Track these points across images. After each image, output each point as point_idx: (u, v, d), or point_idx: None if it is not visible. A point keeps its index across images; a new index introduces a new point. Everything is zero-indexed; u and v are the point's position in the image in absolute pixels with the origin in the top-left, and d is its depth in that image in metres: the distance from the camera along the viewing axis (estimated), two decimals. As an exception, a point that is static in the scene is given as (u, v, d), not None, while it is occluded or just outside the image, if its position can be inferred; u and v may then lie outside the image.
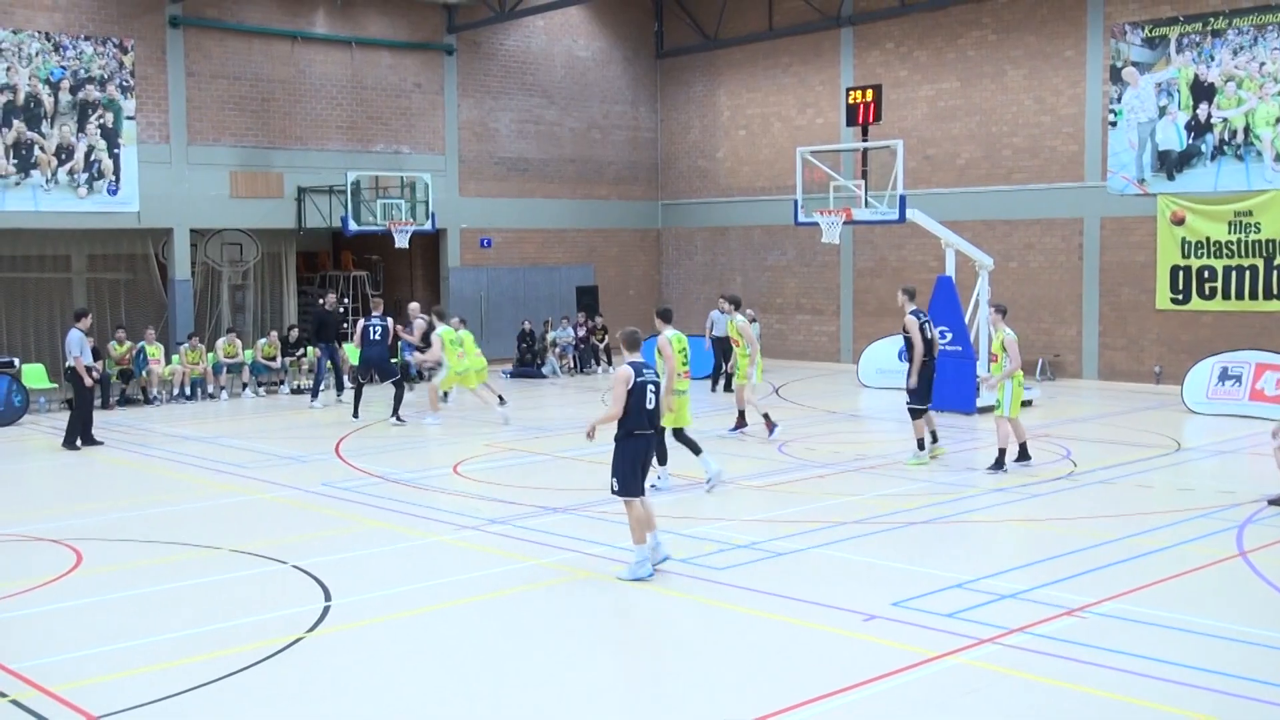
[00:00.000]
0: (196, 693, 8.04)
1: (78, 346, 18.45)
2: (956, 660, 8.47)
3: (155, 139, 25.46)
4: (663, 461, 14.22)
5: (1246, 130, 23.18)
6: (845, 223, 21.52)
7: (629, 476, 10.64)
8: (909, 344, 16.36)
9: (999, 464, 15.39)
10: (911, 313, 16.41)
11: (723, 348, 25.80)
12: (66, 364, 18.85)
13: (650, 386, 10.71)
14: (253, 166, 26.78)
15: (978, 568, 10.98)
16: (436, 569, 11.31)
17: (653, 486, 13.51)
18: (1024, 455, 15.63)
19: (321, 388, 23.55)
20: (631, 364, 10.71)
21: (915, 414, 16.19)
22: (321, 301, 25.58)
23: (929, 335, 16.44)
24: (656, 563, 10.81)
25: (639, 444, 10.67)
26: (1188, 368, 21.87)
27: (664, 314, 14.57)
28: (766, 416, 18.05)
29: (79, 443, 18.45)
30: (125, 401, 23.62)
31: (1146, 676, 8.11)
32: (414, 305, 23.27)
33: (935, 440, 16.40)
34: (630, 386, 10.56)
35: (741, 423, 18.51)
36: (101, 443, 18.65)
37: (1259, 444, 16.74)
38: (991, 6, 26.71)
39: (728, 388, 25.29)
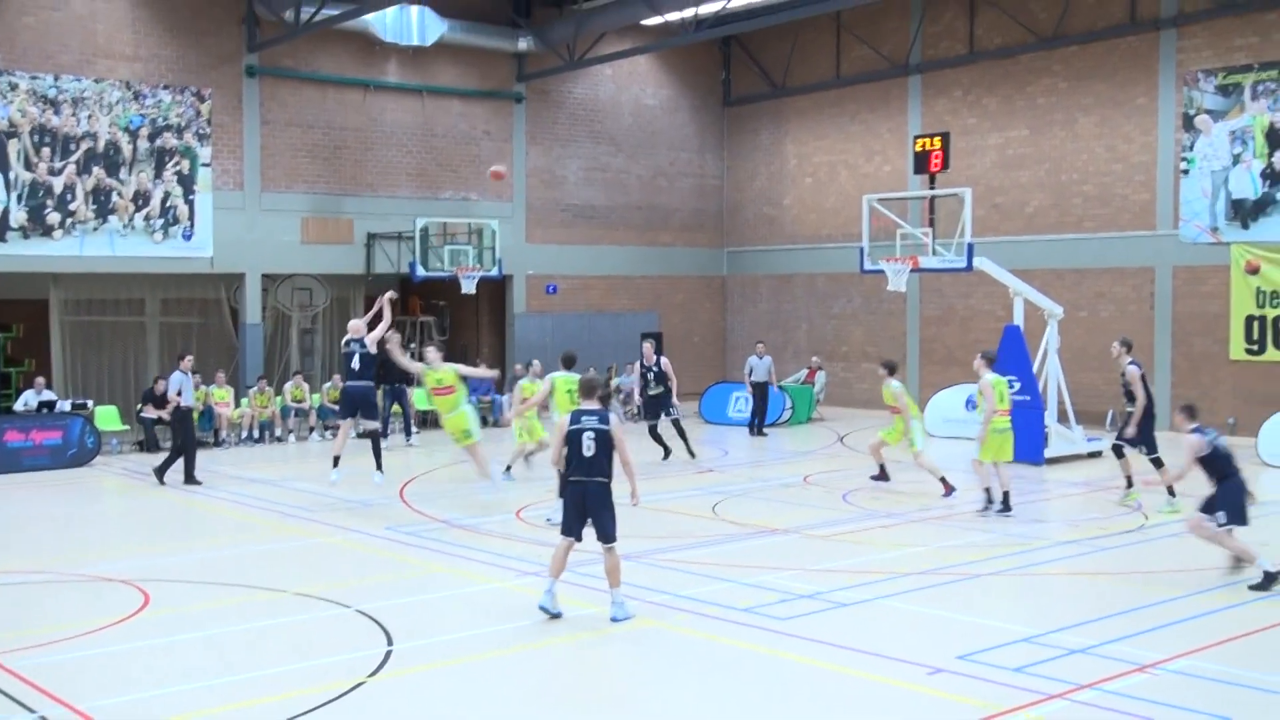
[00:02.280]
0: (258, 735, 8.09)
1: (175, 386, 19.04)
2: (1023, 716, 8.32)
3: (229, 186, 25.93)
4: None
5: (1323, 179, 22.85)
6: (912, 270, 21.40)
7: (565, 515, 11.06)
8: (1131, 395, 16.61)
9: (1005, 506, 15.64)
10: (1131, 363, 16.73)
11: (760, 393, 25.76)
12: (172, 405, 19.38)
13: (587, 434, 10.85)
14: (324, 213, 27.18)
15: (1046, 621, 10.80)
16: (499, 615, 11.30)
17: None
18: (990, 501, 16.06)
19: (389, 430, 23.68)
20: (573, 412, 11.08)
21: (1157, 464, 16.40)
22: (384, 341, 25.75)
23: (1148, 386, 16.75)
24: (618, 618, 10.71)
25: (574, 490, 10.98)
26: (1263, 419, 21.44)
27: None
28: (944, 480, 17.69)
29: (194, 477, 18.99)
30: (195, 443, 23.95)
31: (1220, 737, 7.93)
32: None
33: (1130, 485, 16.64)
34: (564, 435, 10.97)
35: (883, 475, 18.38)
36: (200, 482, 19.00)
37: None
38: (1062, 54, 26.57)
39: (760, 431, 25.27)
